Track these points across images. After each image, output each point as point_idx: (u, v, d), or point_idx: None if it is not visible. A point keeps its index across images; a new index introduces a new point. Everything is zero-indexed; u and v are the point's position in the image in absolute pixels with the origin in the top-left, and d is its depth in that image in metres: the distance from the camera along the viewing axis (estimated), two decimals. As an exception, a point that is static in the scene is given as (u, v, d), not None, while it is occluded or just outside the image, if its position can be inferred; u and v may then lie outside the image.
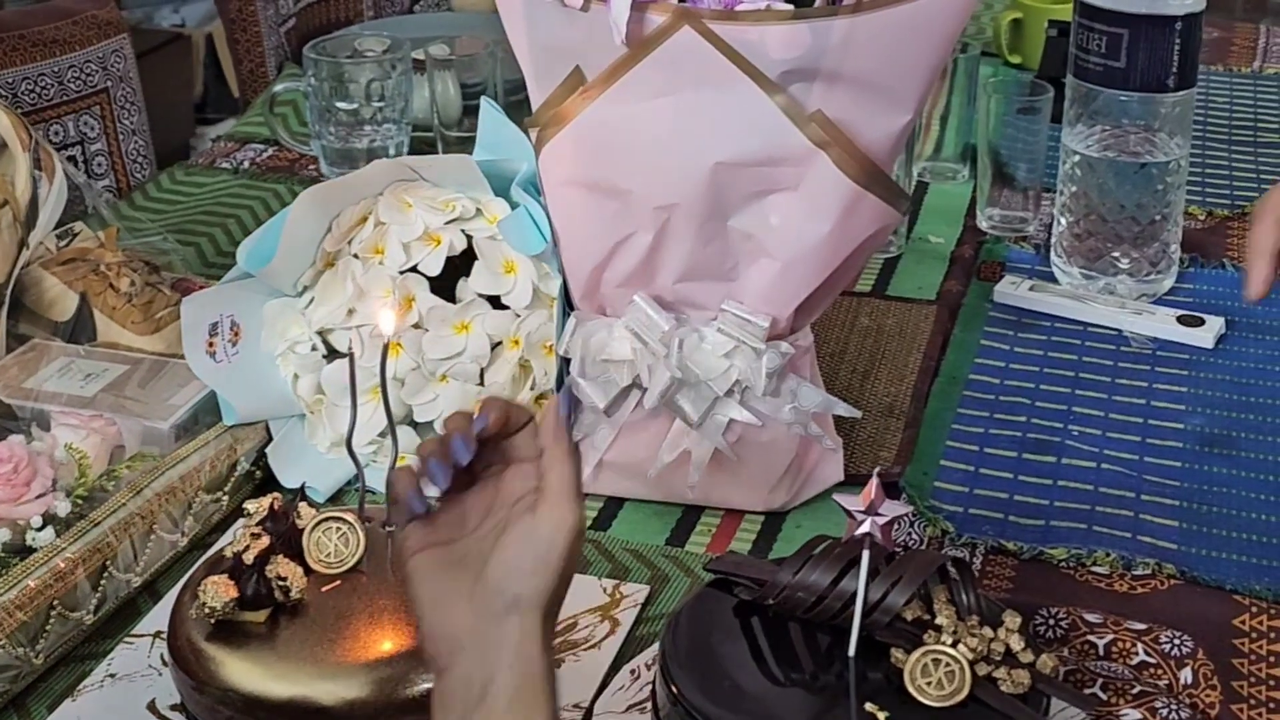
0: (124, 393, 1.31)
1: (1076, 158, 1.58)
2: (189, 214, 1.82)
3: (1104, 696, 1.07)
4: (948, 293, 1.63)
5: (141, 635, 1.15)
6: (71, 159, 1.85)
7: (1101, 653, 1.11)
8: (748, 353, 1.22)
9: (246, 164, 1.95)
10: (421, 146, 1.92)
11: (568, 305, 1.28)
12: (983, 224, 1.77)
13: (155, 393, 1.31)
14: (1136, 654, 1.11)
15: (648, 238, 1.21)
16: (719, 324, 1.23)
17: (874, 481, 1.01)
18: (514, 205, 1.29)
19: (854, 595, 1.01)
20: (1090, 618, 1.13)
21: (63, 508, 1.15)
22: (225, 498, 1.26)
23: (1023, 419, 1.41)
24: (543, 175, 1.26)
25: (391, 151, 1.87)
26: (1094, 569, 1.21)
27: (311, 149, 1.91)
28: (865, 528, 1.00)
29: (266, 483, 1.30)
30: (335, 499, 1.29)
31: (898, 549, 1.10)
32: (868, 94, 1.17)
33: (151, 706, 1.08)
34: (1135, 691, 1.07)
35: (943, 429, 1.40)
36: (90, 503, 1.18)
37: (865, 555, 1.00)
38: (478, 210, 1.30)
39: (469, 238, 1.30)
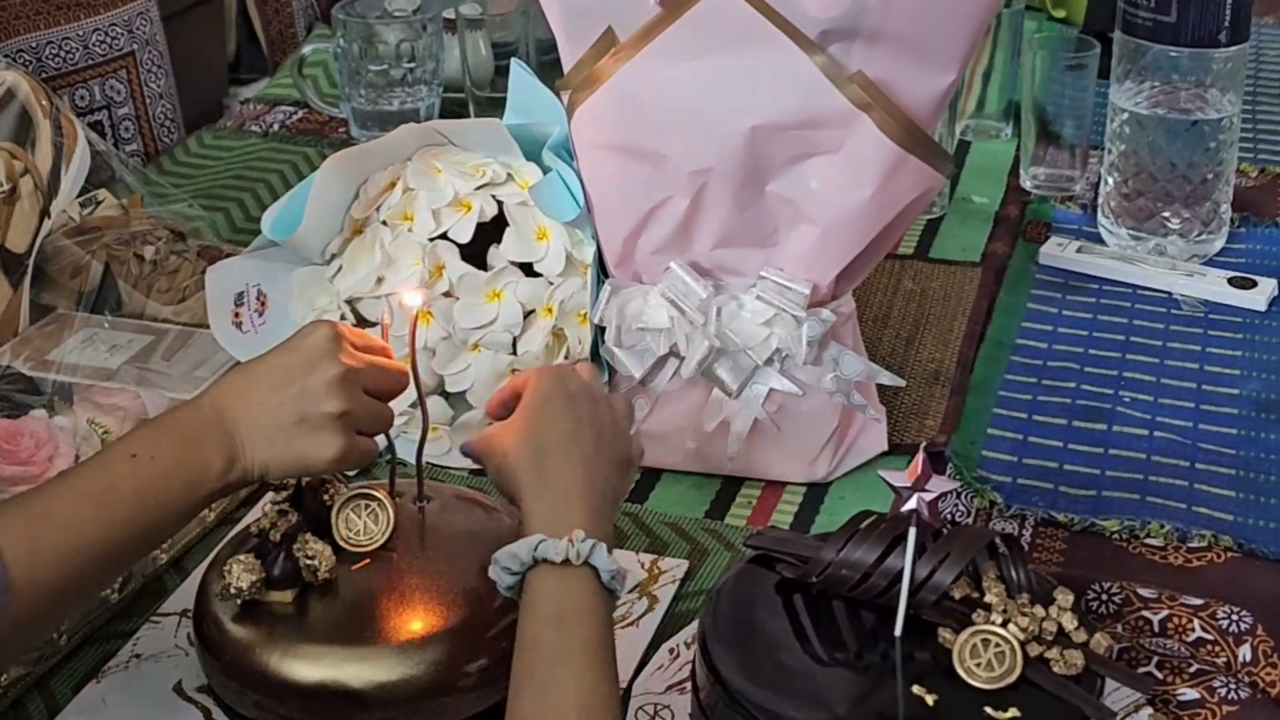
0: (149, 364, 1.28)
1: (1125, 115, 1.54)
2: (217, 179, 1.79)
3: (1160, 675, 1.03)
4: (992, 254, 1.60)
5: (168, 614, 1.12)
6: (98, 124, 1.82)
7: (1156, 629, 1.07)
8: (788, 320, 1.19)
9: (276, 127, 1.93)
10: (453, 108, 1.89)
11: (602, 272, 1.25)
12: (1027, 183, 1.73)
13: (181, 364, 1.28)
14: (1193, 630, 1.07)
15: (684, 203, 1.18)
16: (758, 291, 1.19)
17: (921, 456, 0.97)
18: (546, 170, 1.26)
19: (900, 573, 0.98)
20: (1144, 593, 1.10)
21: (87, 484, 1.13)
22: (253, 472, 1.24)
23: (1072, 385, 1.38)
24: (575, 139, 1.22)
25: (422, 113, 1.84)
26: (1148, 541, 1.18)
27: (341, 111, 1.88)
28: (911, 504, 0.97)
29: (296, 456, 1.27)
30: (365, 473, 1.26)
31: (945, 524, 1.06)
32: (910, 53, 1.13)
33: (178, 688, 1.05)
34: (1192, 670, 1.03)
35: (989, 396, 1.36)
36: (115, 478, 1.15)
37: (912, 532, 0.97)
38: (508, 175, 1.27)
39: (500, 204, 1.27)
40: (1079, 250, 1.58)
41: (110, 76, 1.84)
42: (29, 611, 0.88)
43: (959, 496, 1.22)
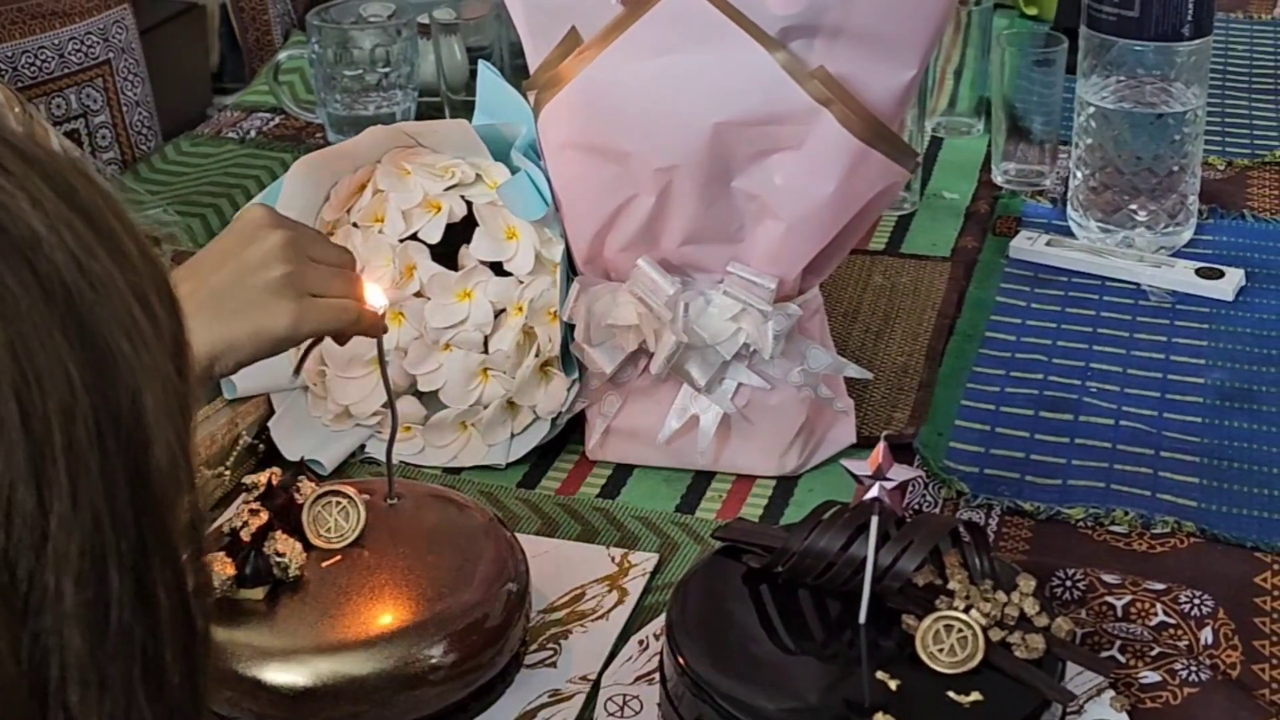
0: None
1: (1091, 110, 1.55)
2: (195, 185, 1.80)
3: (1122, 659, 1.04)
4: (963, 249, 1.61)
5: (143, 614, 1.13)
6: (74, 132, 1.83)
7: (1120, 614, 1.09)
8: (755, 315, 1.20)
9: (253, 133, 1.93)
10: (429, 112, 1.90)
11: (571, 270, 1.26)
12: (998, 178, 1.74)
13: (156, 368, 1.29)
14: (1155, 615, 1.08)
15: (650, 200, 1.19)
16: (725, 287, 1.20)
17: (881, 445, 0.98)
18: (514, 170, 1.27)
19: (864, 561, 0.99)
20: (1108, 578, 1.11)
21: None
22: (227, 473, 1.25)
23: (1039, 376, 1.39)
24: (541, 138, 1.23)
25: (398, 117, 1.85)
26: (1112, 528, 1.19)
27: (318, 116, 1.89)
28: (874, 492, 0.98)
29: (271, 457, 1.28)
30: (340, 471, 1.27)
31: (910, 513, 1.07)
32: (871, 49, 1.14)
33: (153, 686, 1.06)
34: (1154, 653, 1.04)
35: (958, 388, 1.37)
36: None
37: (874, 520, 0.98)
38: (477, 176, 1.28)
39: (469, 204, 1.28)
40: (1049, 244, 1.59)
41: (86, 85, 1.85)
42: None
43: (927, 487, 1.23)
